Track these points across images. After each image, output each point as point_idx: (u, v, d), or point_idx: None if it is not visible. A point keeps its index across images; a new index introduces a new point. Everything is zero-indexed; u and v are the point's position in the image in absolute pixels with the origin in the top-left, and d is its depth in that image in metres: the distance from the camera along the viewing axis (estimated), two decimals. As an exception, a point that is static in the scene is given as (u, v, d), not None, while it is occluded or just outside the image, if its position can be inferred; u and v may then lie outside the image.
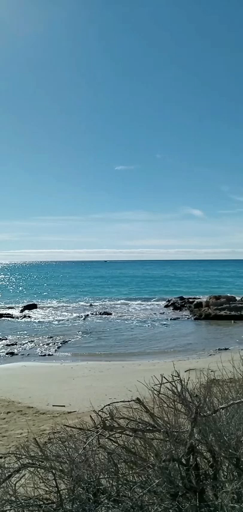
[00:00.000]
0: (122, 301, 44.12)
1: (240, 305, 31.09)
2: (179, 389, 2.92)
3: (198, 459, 2.89)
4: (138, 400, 2.71)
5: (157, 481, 2.59)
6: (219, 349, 18.21)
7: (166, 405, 3.06)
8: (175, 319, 29.88)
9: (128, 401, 2.82)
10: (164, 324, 27.43)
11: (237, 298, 34.83)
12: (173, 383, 2.97)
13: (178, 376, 2.85)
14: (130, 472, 2.87)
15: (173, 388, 2.88)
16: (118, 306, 39.91)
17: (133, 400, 2.76)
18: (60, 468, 2.79)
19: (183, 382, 3.04)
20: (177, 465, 2.62)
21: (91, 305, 40.26)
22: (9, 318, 30.88)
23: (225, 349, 18.04)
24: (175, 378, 2.88)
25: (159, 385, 3.01)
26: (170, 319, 29.79)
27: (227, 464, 2.91)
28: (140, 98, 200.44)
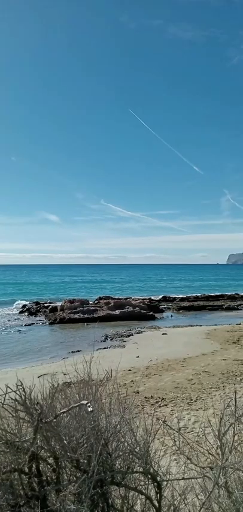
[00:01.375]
0: None
1: (93, 308, 32.59)
2: (23, 398, 2.90)
3: (41, 466, 2.93)
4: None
5: (-3, 495, 2.52)
6: (72, 352, 18.66)
7: (10, 416, 3.00)
8: (29, 324, 29.37)
9: None
10: (19, 331, 26.66)
11: (90, 302, 36.41)
12: (18, 392, 2.93)
13: (21, 384, 2.84)
14: None
15: (17, 397, 2.85)
16: None
17: None
18: None
19: (28, 389, 3.04)
20: (18, 475, 2.61)
21: None
22: None
23: (78, 351, 18.59)
24: (18, 387, 2.86)
25: (3, 396, 2.94)
26: (25, 325, 29.15)
27: (70, 467, 3.03)
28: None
